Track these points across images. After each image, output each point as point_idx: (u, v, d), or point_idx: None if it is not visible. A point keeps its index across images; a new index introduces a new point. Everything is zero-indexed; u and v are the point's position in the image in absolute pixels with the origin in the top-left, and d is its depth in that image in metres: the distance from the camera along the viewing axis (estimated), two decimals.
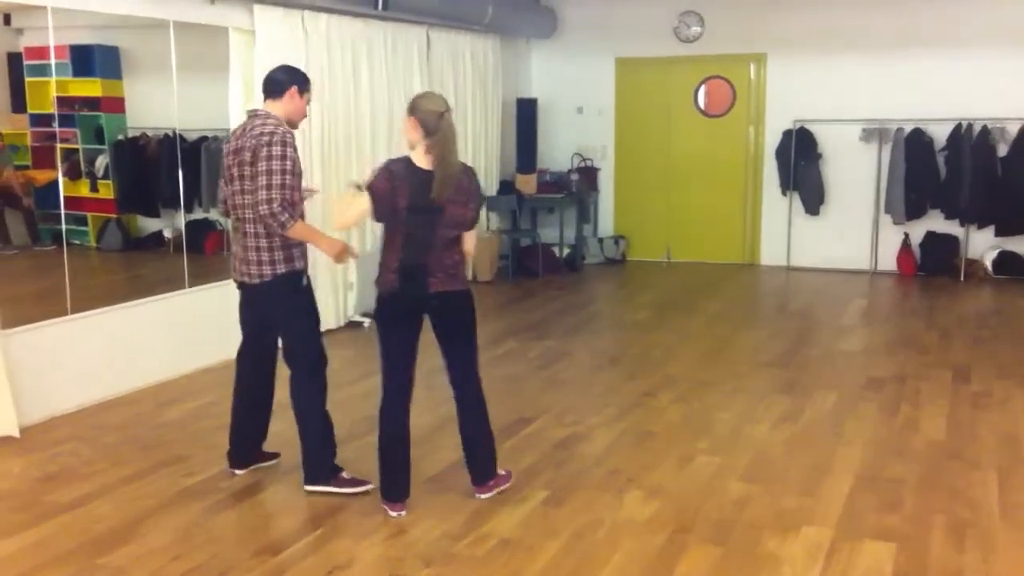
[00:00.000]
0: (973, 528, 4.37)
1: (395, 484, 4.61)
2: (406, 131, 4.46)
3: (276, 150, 4.49)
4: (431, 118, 4.37)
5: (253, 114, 4.72)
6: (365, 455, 5.32)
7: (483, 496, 4.72)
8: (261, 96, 4.81)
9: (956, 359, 7.23)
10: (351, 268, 8.27)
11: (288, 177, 4.52)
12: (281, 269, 4.69)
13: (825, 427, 5.76)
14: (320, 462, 4.83)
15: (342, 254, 4.88)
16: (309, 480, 4.84)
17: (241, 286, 4.85)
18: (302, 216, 4.67)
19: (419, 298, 4.55)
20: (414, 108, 4.42)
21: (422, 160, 4.40)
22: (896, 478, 4.95)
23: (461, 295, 4.65)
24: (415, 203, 4.37)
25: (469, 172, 4.59)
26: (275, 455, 5.15)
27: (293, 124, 4.75)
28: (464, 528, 4.40)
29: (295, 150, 4.61)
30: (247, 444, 5.06)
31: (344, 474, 4.87)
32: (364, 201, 4.38)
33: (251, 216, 4.64)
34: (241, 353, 5.02)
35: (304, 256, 4.82)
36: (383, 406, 4.66)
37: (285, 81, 4.72)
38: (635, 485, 4.88)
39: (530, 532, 4.36)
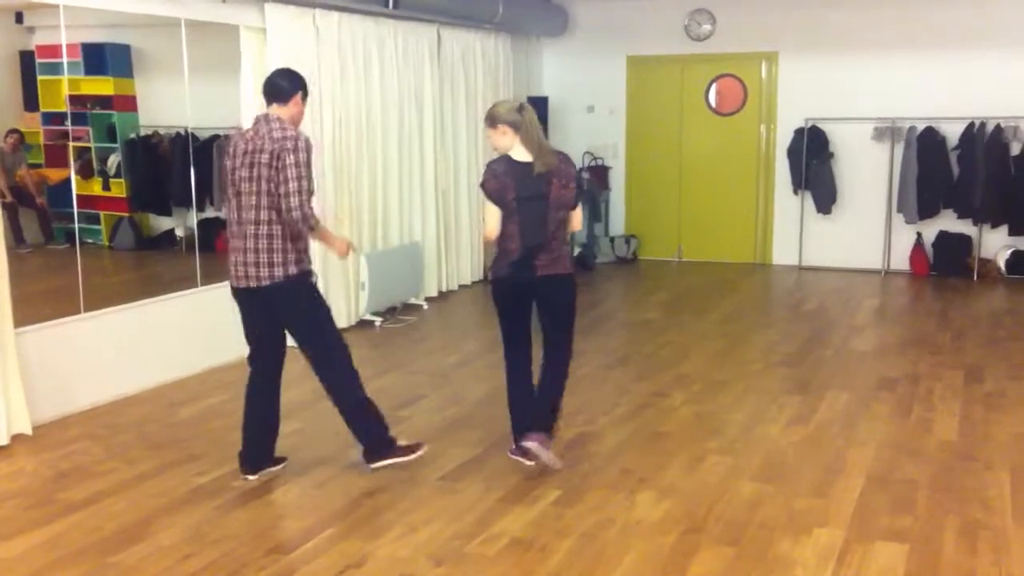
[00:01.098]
0: (986, 529, 4.35)
1: (525, 420, 5.03)
2: (495, 140, 4.97)
3: (302, 156, 4.66)
4: (515, 118, 4.88)
5: (264, 118, 4.77)
6: None
7: (529, 444, 4.92)
8: (263, 100, 4.86)
9: (969, 359, 7.20)
10: (362, 268, 8.27)
11: (311, 181, 4.73)
12: (293, 270, 4.76)
13: (837, 427, 5.74)
14: (376, 438, 5.03)
15: (348, 250, 5.16)
16: (371, 458, 5.02)
17: (247, 291, 4.83)
18: None
19: (529, 281, 4.99)
20: (496, 118, 4.92)
21: (520, 155, 4.90)
22: (909, 479, 4.93)
23: (565, 279, 5.08)
24: (521, 193, 4.85)
25: (564, 157, 5.04)
26: (283, 459, 5.15)
27: (295, 126, 4.85)
28: (475, 527, 4.40)
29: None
30: (260, 449, 5.05)
31: (400, 442, 5.11)
32: (491, 207, 4.87)
33: (264, 218, 4.68)
34: (251, 359, 5.02)
35: (310, 256, 4.93)
36: (509, 374, 5.19)
37: (290, 88, 4.83)
38: (646, 485, 4.87)
39: (541, 532, 4.36)
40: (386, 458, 5.04)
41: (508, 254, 4.95)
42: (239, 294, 4.89)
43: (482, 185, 4.90)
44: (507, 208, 4.87)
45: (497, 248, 5.00)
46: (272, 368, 5.01)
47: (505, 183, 4.86)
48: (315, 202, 4.93)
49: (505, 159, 4.93)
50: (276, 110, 4.78)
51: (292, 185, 4.61)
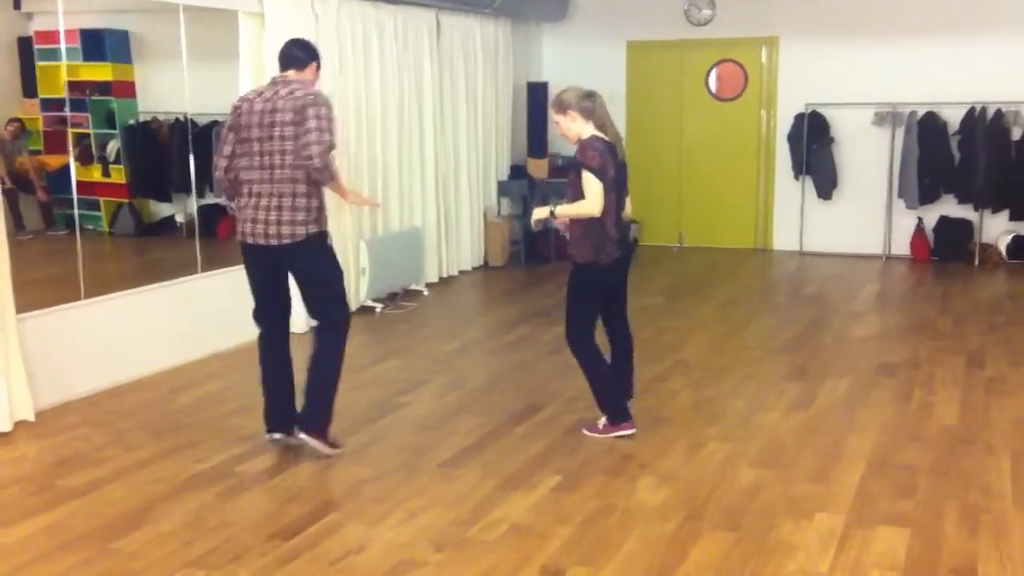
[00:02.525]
0: (986, 514, 4.35)
1: (622, 402, 5.31)
2: (566, 126, 5.06)
3: (324, 110, 4.71)
4: (586, 102, 5.01)
5: (282, 80, 4.85)
6: (378, 439, 5.36)
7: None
8: (277, 67, 4.95)
9: (970, 344, 7.20)
10: (363, 254, 8.26)
11: (333, 135, 4.76)
12: (313, 229, 4.83)
13: (838, 413, 5.74)
14: (324, 414, 5.02)
15: (366, 200, 5.38)
16: (311, 429, 4.98)
17: (263, 249, 4.85)
18: None
19: (626, 256, 5.23)
20: (566, 104, 5.03)
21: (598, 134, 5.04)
22: (909, 464, 4.93)
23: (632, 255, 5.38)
24: (616, 170, 5.04)
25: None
26: (341, 446, 5.17)
27: None
28: (475, 514, 4.40)
29: None
30: (282, 406, 5.10)
31: (329, 433, 5.07)
32: (592, 181, 4.92)
33: (287, 176, 4.73)
34: (259, 317, 5.08)
35: (326, 217, 4.99)
36: (601, 357, 5.36)
37: (307, 56, 4.97)
38: (647, 471, 4.88)
39: (541, 518, 4.37)
40: (316, 438, 4.98)
41: (606, 233, 5.04)
42: (252, 250, 4.92)
43: (588, 163, 4.91)
44: (609, 184, 4.97)
45: (592, 231, 5.02)
46: (281, 324, 5.10)
47: (607, 160, 4.98)
48: (337, 158, 4.96)
49: (596, 137, 5.03)
50: (293, 75, 4.88)
51: (313, 136, 4.66)
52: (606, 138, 5.06)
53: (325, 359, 4.99)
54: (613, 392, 5.33)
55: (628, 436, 5.29)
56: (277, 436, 5.10)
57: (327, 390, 5.01)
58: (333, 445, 5.06)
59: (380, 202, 5.29)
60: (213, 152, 5.02)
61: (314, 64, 4.98)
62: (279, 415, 5.10)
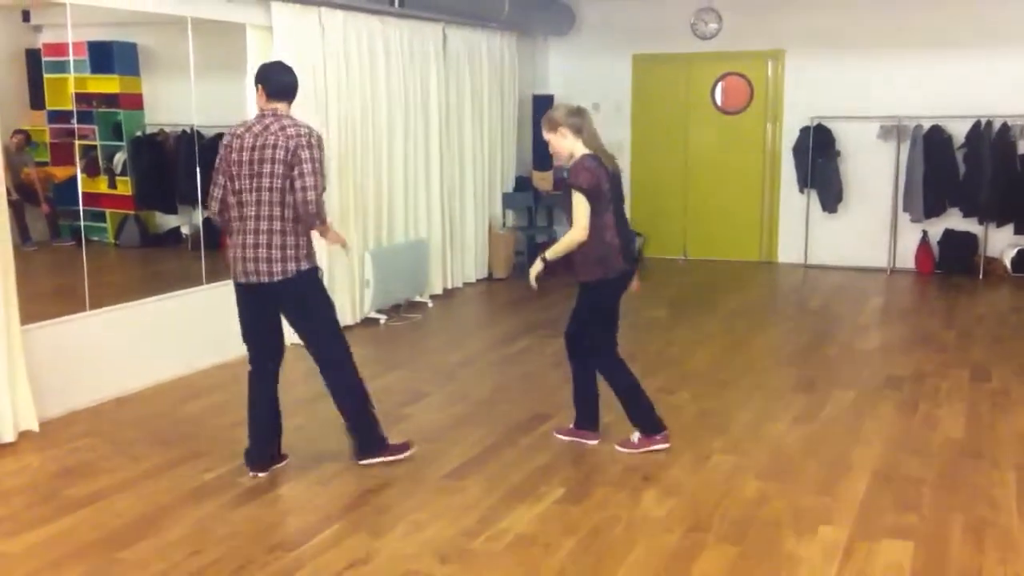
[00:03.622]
0: (992, 527, 4.34)
1: (652, 414, 5.28)
2: (557, 144, 5.10)
3: (316, 153, 4.69)
4: (575, 119, 5.07)
5: (272, 113, 4.75)
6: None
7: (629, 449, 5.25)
8: (263, 93, 4.83)
9: (975, 358, 7.19)
10: (367, 265, 8.28)
11: (325, 178, 4.79)
12: (304, 266, 4.79)
13: (843, 426, 5.73)
14: (370, 436, 5.04)
15: (341, 239, 5.27)
16: (362, 455, 5.04)
17: (252, 287, 4.81)
18: None
19: (631, 268, 5.23)
20: (556, 122, 5.08)
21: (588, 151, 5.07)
22: (914, 477, 4.92)
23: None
24: (610, 183, 5.05)
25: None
26: (284, 456, 5.15)
27: None
28: (480, 525, 4.40)
29: None
30: (266, 447, 5.04)
31: (390, 441, 5.12)
32: (581, 202, 4.95)
33: (276, 213, 4.68)
34: (252, 360, 5.01)
35: (315, 252, 4.95)
36: (618, 361, 5.30)
37: (296, 90, 4.89)
38: (652, 483, 4.87)
39: (546, 529, 4.36)
40: (377, 456, 5.04)
41: (611, 247, 5.06)
42: (242, 289, 4.88)
43: (579, 184, 4.93)
44: (603, 199, 5.00)
45: (592, 247, 5.03)
46: (272, 365, 5.02)
47: (599, 174, 4.99)
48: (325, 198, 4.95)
49: (589, 155, 5.05)
50: (284, 108, 4.79)
51: (309, 180, 4.63)
52: (595, 154, 5.08)
53: (344, 387, 5.00)
54: (644, 405, 5.31)
55: (662, 449, 5.26)
56: (262, 475, 4.98)
57: (364, 412, 5.04)
58: (401, 450, 5.12)
59: (350, 246, 5.26)
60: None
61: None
62: (260, 455, 5.01)
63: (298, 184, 4.64)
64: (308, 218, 4.71)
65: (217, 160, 4.85)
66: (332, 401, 5.07)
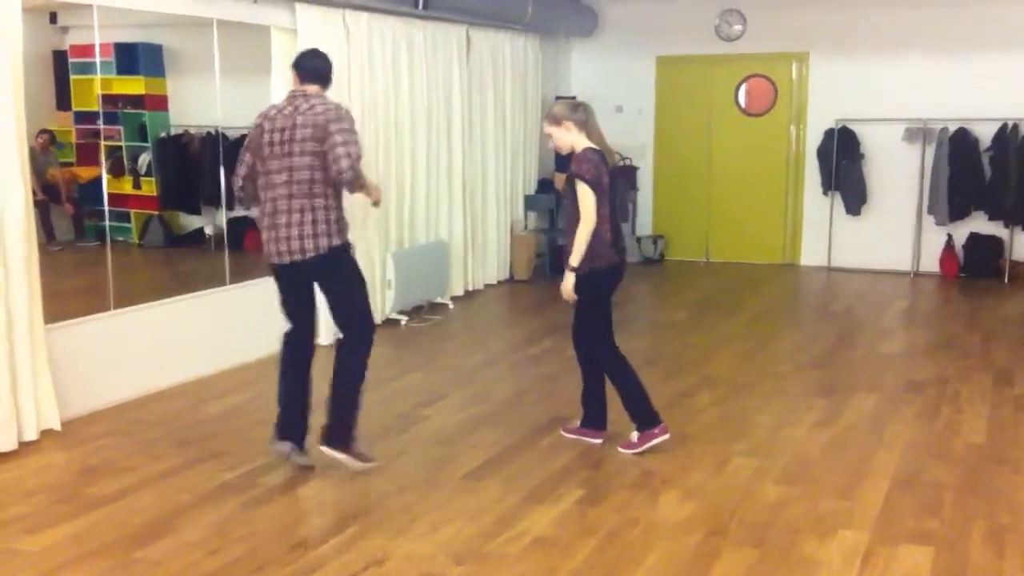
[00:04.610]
0: (1013, 534, 4.30)
1: (648, 407, 5.33)
2: (560, 138, 5.22)
3: (346, 124, 4.73)
4: (579, 114, 5.18)
5: (302, 94, 4.84)
6: (402, 451, 5.37)
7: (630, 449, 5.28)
8: (297, 77, 4.94)
9: (998, 362, 7.13)
10: (389, 266, 8.30)
11: (359, 146, 4.78)
12: (337, 241, 4.85)
13: (864, 430, 5.70)
14: (347, 427, 4.97)
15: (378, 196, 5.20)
16: (332, 442, 4.93)
17: (288, 267, 4.87)
18: None
19: (622, 266, 5.35)
20: (560, 116, 5.18)
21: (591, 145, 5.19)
22: (935, 482, 4.89)
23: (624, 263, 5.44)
24: (610, 177, 5.17)
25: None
26: (311, 467, 5.12)
27: None
28: (497, 526, 4.40)
29: None
30: (295, 420, 5.07)
31: (356, 446, 5.01)
32: (587, 193, 5.04)
33: (308, 191, 4.74)
34: (288, 338, 5.09)
35: (348, 228, 5.01)
36: (624, 364, 5.37)
37: (329, 74, 4.98)
38: (671, 486, 4.86)
39: (564, 531, 4.36)
40: (341, 452, 4.93)
41: (603, 241, 5.13)
42: (279, 270, 4.94)
43: (583, 174, 5.04)
44: (602, 192, 5.09)
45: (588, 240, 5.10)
46: (307, 342, 5.10)
47: (601, 168, 5.12)
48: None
49: (592, 149, 5.16)
50: (314, 90, 4.88)
51: (341, 150, 4.65)
52: (597, 148, 5.18)
53: (349, 371, 4.97)
54: (640, 397, 5.32)
55: (662, 442, 5.27)
56: (286, 448, 5.03)
57: (351, 404, 4.98)
58: (362, 458, 5.00)
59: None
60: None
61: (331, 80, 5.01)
62: (291, 423, 5.05)
63: (331, 155, 4.67)
64: (348, 184, 4.74)
65: (247, 139, 4.95)
66: (330, 382, 4.99)
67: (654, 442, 5.28)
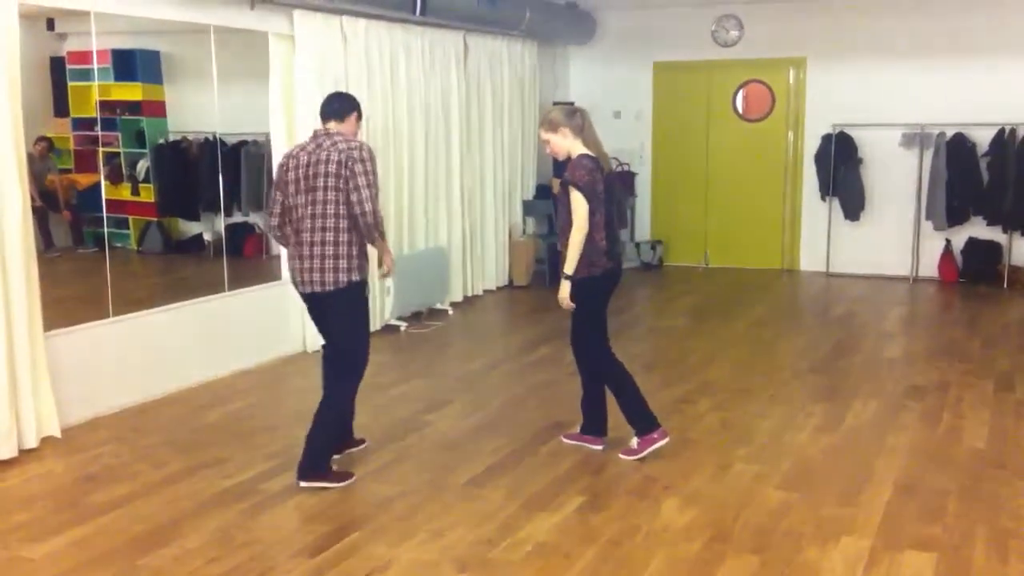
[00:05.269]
0: (1016, 539, 4.30)
1: (646, 411, 5.32)
2: (556, 144, 5.19)
3: (369, 166, 4.84)
4: (575, 120, 5.17)
5: (324, 133, 4.95)
6: (403, 457, 5.37)
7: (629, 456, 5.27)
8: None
9: (999, 368, 7.13)
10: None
11: (378, 189, 4.93)
12: (355, 277, 4.93)
13: (866, 435, 5.70)
14: (322, 460, 5.01)
15: (389, 267, 5.31)
16: (308, 477, 4.96)
17: (308, 295, 5.00)
18: None
19: (619, 272, 5.32)
20: (557, 123, 5.17)
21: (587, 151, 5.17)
22: (938, 488, 4.89)
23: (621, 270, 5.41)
24: (604, 184, 5.14)
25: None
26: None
27: None
28: (500, 533, 4.39)
29: None
30: (342, 434, 5.25)
31: (332, 467, 5.08)
32: (580, 200, 5.01)
33: (331, 225, 4.83)
34: (325, 351, 5.21)
35: (367, 267, 5.08)
36: (623, 370, 5.36)
37: (347, 107, 5.07)
38: (672, 492, 4.85)
39: (566, 538, 4.35)
40: (318, 481, 4.95)
41: (597, 248, 5.11)
42: (303, 297, 5.08)
43: (576, 181, 5.02)
44: (596, 200, 5.07)
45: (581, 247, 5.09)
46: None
47: (596, 175, 5.10)
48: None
49: (587, 155, 5.14)
50: (335, 126, 4.98)
51: (364, 193, 4.79)
52: (593, 154, 5.17)
53: (329, 406, 5.04)
54: (637, 402, 5.32)
55: (663, 446, 5.28)
56: (336, 456, 5.20)
57: (325, 438, 5.04)
58: (340, 478, 5.02)
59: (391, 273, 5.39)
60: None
61: (355, 114, 5.08)
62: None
63: (354, 197, 4.79)
64: (367, 229, 4.85)
65: (275, 179, 5.07)
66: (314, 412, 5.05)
67: (655, 446, 5.27)
